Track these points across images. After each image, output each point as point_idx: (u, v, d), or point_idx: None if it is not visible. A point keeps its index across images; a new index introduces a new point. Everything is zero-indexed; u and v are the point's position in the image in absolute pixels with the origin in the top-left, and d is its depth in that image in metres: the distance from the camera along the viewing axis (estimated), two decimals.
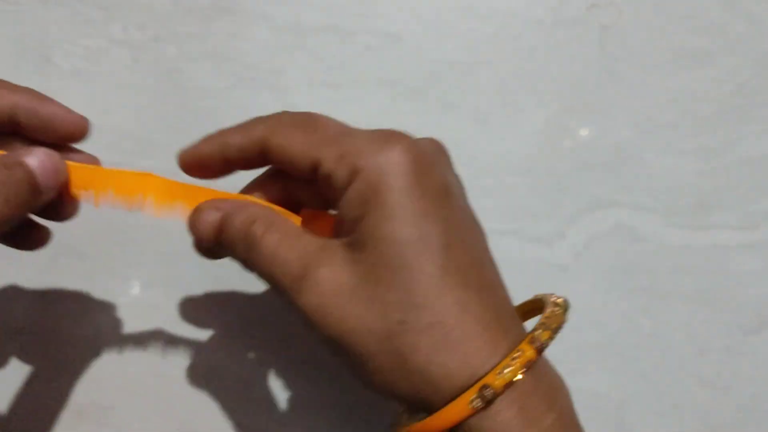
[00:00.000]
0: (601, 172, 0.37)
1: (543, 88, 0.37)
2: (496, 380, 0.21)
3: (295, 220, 0.26)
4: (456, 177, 0.25)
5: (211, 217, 0.25)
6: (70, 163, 0.26)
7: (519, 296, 0.37)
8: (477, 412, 0.21)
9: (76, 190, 0.26)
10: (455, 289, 0.22)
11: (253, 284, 0.36)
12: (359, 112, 0.36)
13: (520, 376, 0.21)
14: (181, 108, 0.35)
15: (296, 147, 0.24)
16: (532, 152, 0.37)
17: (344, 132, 0.24)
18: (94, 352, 0.35)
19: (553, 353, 0.36)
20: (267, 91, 0.36)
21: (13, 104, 0.25)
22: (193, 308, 0.35)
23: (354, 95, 0.36)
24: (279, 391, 0.36)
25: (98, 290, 0.35)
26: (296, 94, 0.36)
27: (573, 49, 0.37)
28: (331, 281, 0.22)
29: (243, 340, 0.36)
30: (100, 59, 0.35)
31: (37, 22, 0.35)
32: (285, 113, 0.25)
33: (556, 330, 0.23)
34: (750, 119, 0.38)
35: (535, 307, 0.26)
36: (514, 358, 0.21)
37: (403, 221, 0.22)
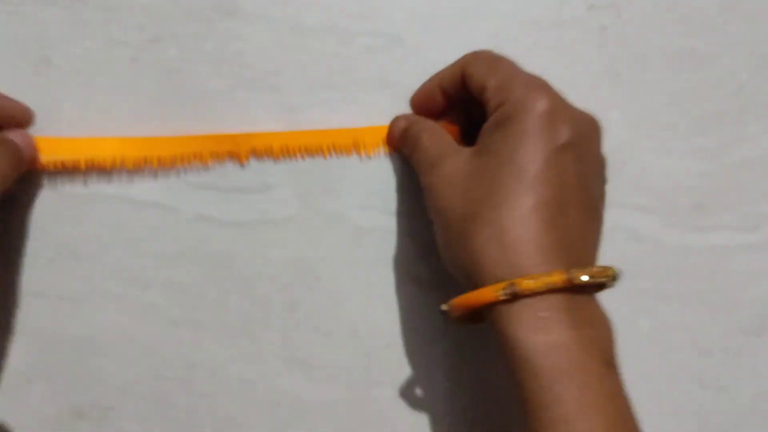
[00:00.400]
0: None
1: None
2: (523, 283, 0.25)
3: (449, 131, 0.33)
4: (591, 148, 0.30)
5: (401, 123, 0.34)
6: (39, 138, 0.32)
7: None
8: (501, 301, 0.26)
9: (46, 160, 0.32)
10: (534, 217, 0.27)
11: (253, 284, 0.36)
12: (359, 113, 0.36)
13: (539, 289, 0.26)
14: (181, 109, 0.35)
15: (477, 75, 0.31)
16: None
17: (513, 72, 0.30)
18: (94, 353, 0.35)
19: None
20: (267, 92, 0.36)
21: None
22: (193, 308, 0.36)
23: (354, 96, 0.36)
24: (280, 391, 0.36)
25: (98, 290, 0.35)
26: (296, 95, 0.36)
27: (572, 50, 0.37)
28: (449, 171, 0.29)
29: (243, 340, 0.36)
30: (100, 60, 0.35)
31: (36, 22, 0.35)
32: (481, 52, 0.32)
33: (594, 277, 0.26)
34: (749, 120, 0.38)
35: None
36: (545, 276, 0.26)
37: (519, 149, 0.27)
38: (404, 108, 0.36)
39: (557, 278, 0.26)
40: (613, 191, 0.37)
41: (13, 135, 0.31)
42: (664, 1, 0.38)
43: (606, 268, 0.27)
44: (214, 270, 0.36)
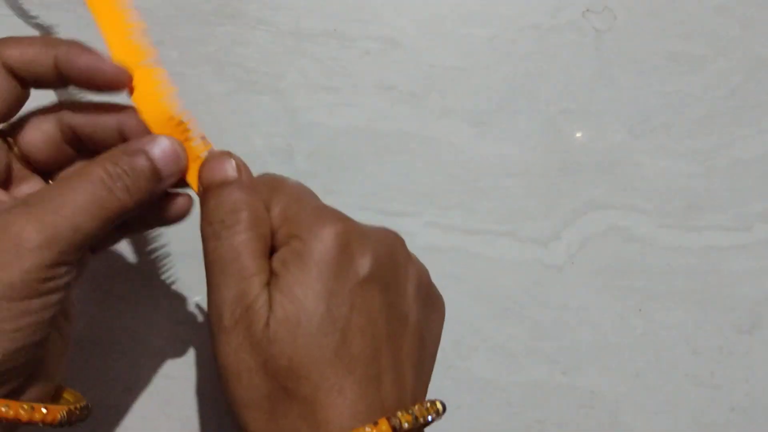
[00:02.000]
0: (595, 174, 0.37)
1: (538, 91, 0.37)
2: None
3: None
4: (398, 270, 0.26)
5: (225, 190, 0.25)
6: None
7: (516, 296, 0.37)
8: None
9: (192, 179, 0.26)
10: (339, 372, 0.23)
11: None
12: (358, 116, 0.36)
13: None
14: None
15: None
16: (527, 155, 0.37)
17: (298, 198, 0.26)
18: (95, 353, 0.35)
19: (547, 352, 0.37)
20: (267, 95, 0.36)
21: (53, 58, 0.25)
22: (195, 308, 0.36)
23: (353, 99, 0.36)
24: None
25: (98, 291, 0.35)
26: (296, 98, 0.36)
27: (568, 54, 0.37)
28: (245, 337, 0.24)
29: None
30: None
31: (40, 26, 0.35)
32: (263, 177, 0.27)
33: (421, 416, 0.24)
34: (742, 122, 0.38)
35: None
36: None
37: (313, 293, 0.23)
38: (402, 111, 0.37)
39: (383, 427, 0.23)
40: (607, 192, 0.37)
41: (155, 144, 0.25)
42: (658, 6, 0.38)
43: (432, 403, 0.25)
44: None
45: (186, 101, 0.35)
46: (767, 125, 0.38)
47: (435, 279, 0.36)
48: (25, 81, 0.25)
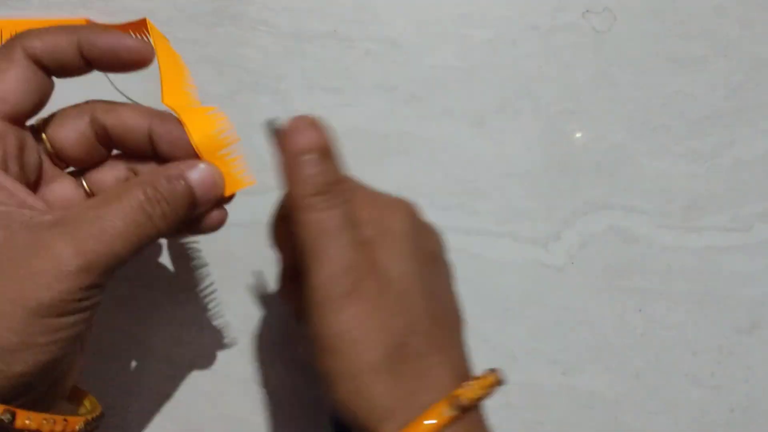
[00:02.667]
0: (595, 174, 0.37)
1: (539, 92, 0.37)
2: (465, 394, 0.24)
3: None
4: (445, 254, 0.29)
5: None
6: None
7: (516, 297, 0.37)
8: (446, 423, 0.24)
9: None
10: (443, 332, 0.26)
11: (254, 285, 0.36)
12: (359, 117, 0.36)
13: None
14: None
15: None
16: (528, 155, 0.37)
17: (360, 185, 0.28)
18: (95, 354, 0.35)
19: (547, 352, 0.37)
20: (268, 96, 0.36)
21: (76, 43, 0.25)
22: (195, 308, 0.36)
23: (354, 100, 0.36)
24: (280, 391, 0.36)
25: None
26: (297, 99, 0.36)
27: (568, 54, 0.38)
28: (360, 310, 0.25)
29: (244, 340, 0.36)
30: None
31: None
32: None
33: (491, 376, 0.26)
34: (742, 123, 0.38)
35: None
36: (482, 380, 0.25)
37: (410, 262, 0.25)
38: (403, 112, 0.37)
39: (491, 377, 0.25)
40: (607, 193, 0.37)
41: (194, 171, 0.25)
42: (658, 6, 0.38)
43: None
44: (215, 270, 0.36)
45: None
46: (766, 126, 0.38)
47: None
48: (50, 70, 0.25)
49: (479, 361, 0.37)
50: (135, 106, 0.27)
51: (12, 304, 0.21)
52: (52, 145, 0.27)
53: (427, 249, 0.27)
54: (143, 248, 0.24)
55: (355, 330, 0.24)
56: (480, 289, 0.37)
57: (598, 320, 0.37)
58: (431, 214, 0.37)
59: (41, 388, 0.24)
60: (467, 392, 0.24)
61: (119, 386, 0.35)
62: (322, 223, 0.24)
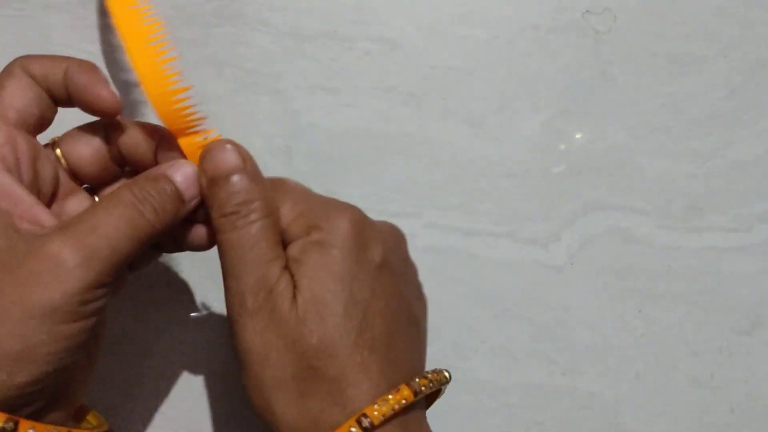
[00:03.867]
0: (595, 175, 0.37)
1: (538, 92, 0.37)
2: (372, 410, 0.24)
3: None
4: (402, 259, 0.29)
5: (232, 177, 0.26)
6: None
7: (516, 297, 0.37)
8: None
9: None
10: (363, 351, 0.24)
11: None
12: (358, 117, 0.37)
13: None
14: None
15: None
16: (527, 156, 0.37)
17: (305, 194, 0.27)
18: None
19: (547, 353, 0.37)
20: (267, 96, 0.36)
21: (64, 72, 0.26)
22: (195, 308, 0.36)
23: (353, 100, 0.36)
24: None
25: None
26: (296, 100, 0.36)
27: (568, 55, 0.38)
28: (272, 315, 0.25)
29: None
30: (103, 64, 0.35)
31: (40, 27, 0.36)
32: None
33: (435, 381, 0.26)
34: (742, 123, 0.38)
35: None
36: (390, 396, 0.24)
37: (338, 276, 0.25)
38: (402, 112, 0.37)
39: (405, 392, 0.24)
40: (607, 193, 0.38)
41: (176, 170, 0.26)
42: (658, 7, 0.38)
43: (440, 371, 0.27)
44: (214, 270, 0.36)
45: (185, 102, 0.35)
46: (767, 126, 0.38)
47: (435, 280, 0.37)
48: (48, 92, 0.26)
49: (478, 362, 0.37)
50: (144, 124, 0.28)
51: (13, 309, 0.21)
52: (67, 162, 0.27)
53: (367, 259, 0.26)
54: (143, 244, 0.24)
55: (261, 348, 0.24)
56: (480, 290, 0.37)
57: (598, 321, 0.37)
58: (431, 215, 0.37)
59: (45, 400, 0.23)
60: (380, 409, 0.23)
61: (119, 386, 0.35)
62: (232, 241, 0.25)
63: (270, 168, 0.36)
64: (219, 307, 0.36)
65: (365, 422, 0.23)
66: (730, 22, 0.38)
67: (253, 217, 0.25)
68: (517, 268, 0.37)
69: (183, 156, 0.27)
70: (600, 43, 0.38)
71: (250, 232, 0.25)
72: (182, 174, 0.26)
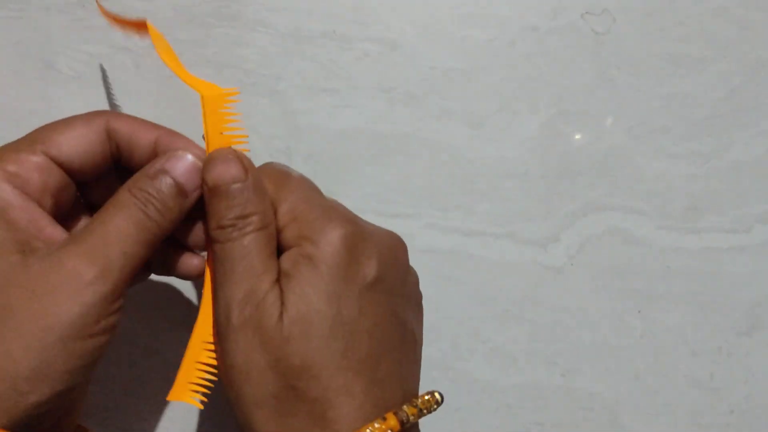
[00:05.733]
0: (594, 175, 0.37)
1: (537, 93, 0.37)
2: None
3: None
4: (401, 272, 0.27)
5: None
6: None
7: (515, 298, 0.37)
8: None
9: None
10: (348, 373, 0.24)
11: None
12: (357, 118, 0.37)
13: None
14: (183, 114, 0.35)
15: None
16: (526, 156, 0.37)
17: (305, 196, 0.26)
18: None
19: (546, 354, 0.37)
20: (266, 97, 0.36)
21: (154, 139, 0.26)
22: (194, 309, 0.36)
23: (352, 101, 0.36)
24: None
25: None
26: (295, 100, 0.36)
27: (567, 56, 0.38)
28: (260, 330, 0.24)
29: None
30: (103, 66, 0.36)
31: (39, 28, 0.36)
32: (268, 165, 0.27)
33: (425, 408, 0.25)
34: (741, 124, 0.38)
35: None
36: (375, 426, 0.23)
37: (324, 295, 0.24)
38: (401, 113, 0.37)
39: (392, 422, 0.23)
40: (606, 194, 0.38)
41: (173, 162, 0.25)
42: (657, 8, 0.38)
43: (432, 394, 0.26)
44: None
45: (185, 103, 0.35)
46: (766, 127, 0.38)
47: (434, 280, 0.37)
48: (119, 150, 0.26)
49: (479, 362, 0.37)
50: (144, 120, 0.27)
51: (29, 326, 0.21)
52: (59, 153, 0.26)
53: (357, 276, 0.25)
54: (152, 245, 0.24)
55: (243, 365, 0.24)
56: (479, 290, 0.37)
57: (598, 321, 0.37)
58: (430, 216, 0.37)
59: (53, 420, 0.23)
60: None
61: (119, 386, 0.35)
62: (224, 252, 0.24)
63: None
64: None
65: None
66: (730, 22, 0.38)
67: (248, 229, 0.24)
68: (516, 269, 0.37)
69: (182, 145, 0.26)
70: (599, 44, 0.38)
71: (242, 244, 0.24)
72: (181, 166, 0.25)
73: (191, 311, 0.36)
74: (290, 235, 0.25)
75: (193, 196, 0.25)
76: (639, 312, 0.37)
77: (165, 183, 0.24)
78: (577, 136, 0.38)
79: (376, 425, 0.23)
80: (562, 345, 0.37)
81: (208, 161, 0.25)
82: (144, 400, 0.35)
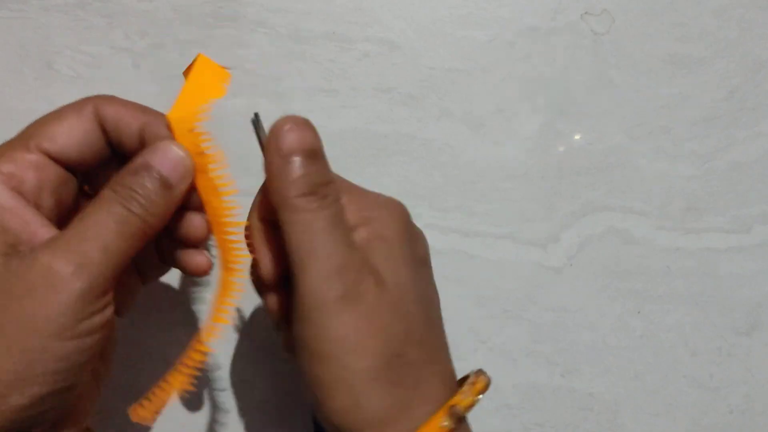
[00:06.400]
0: (594, 176, 0.37)
1: (537, 94, 0.37)
2: (462, 402, 0.24)
3: None
4: (429, 259, 0.28)
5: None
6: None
7: (515, 298, 0.37)
8: None
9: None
10: (432, 338, 0.25)
11: (252, 287, 0.36)
12: (357, 118, 0.37)
13: None
14: None
15: None
16: (526, 157, 0.37)
17: (351, 186, 0.26)
18: None
19: (547, 354, 0.37)
20: (266, 97, 0.36)
21: (141, 124, 0.25)
22: (193, 310, 0.36)
23: (352, 101, 0.36)
24: (279, 391, 0.36)
25: None
26: (295, 101, 0.36)
27: (567, 56, 0.38)
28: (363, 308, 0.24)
29: (243, 341, 0.36)
30: (102, 66, 0.36)
31: (39, 28, 0.36)
32: None
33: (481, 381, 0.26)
34: (741, 124, 0.38)
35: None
36: (472, 386, 0.25)
37: (404, 267, 0.25)
38: (401, 113, 0.37)
39: (481, 382, 0.25)
40: (606, 195, 0.38)
41: (155, 154, 0.24)
42: (656, 8, 0.38)
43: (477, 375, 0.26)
44: (214, 270, 0.36)
45: None
46: (766, 127, 0.38)
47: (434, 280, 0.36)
48: (110, 139, 0.26)
49: (478, 363, 0.37)
50: (133, 103, 0.26)
51: (8, 326, 0.20)
52: (53, 145, 0.26)
53: (417, 254, 0.26)
54: (139, 241, 0.23)
55: (352, 336, 0.23)
56: (479, 291, 0.37)
57: (597, 322, 0.37)
58: (430, 216, 0.37)
59: (48, 424, 0.23)
60: (463, 401, 0.23)
61: (119, 387, 0.35)
62: (311, 223, 0.23)
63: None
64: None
65: (457, 411, 0.23)
66: (729, 23, 0.38)
67: (331, 199, 0.23)
68: (516, 269, 0.37)
69: (169, 136, 0.25)
70: (598, 45, 0.38)
71: (329, 215, 0.23)
72: (164, 157, 0.24)
73: (190, 312, 0.36)
74: (353, 216, 0.25)
75: (181, 187, 0.24)
76: (638, 312, 0.37)
77: (148, 177, 0.23)
78: (577, 137, 0.38)
79: (468, 386, 0.24)
80: (561, 345, 0.37)
81: (280, 127, 0.23)
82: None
